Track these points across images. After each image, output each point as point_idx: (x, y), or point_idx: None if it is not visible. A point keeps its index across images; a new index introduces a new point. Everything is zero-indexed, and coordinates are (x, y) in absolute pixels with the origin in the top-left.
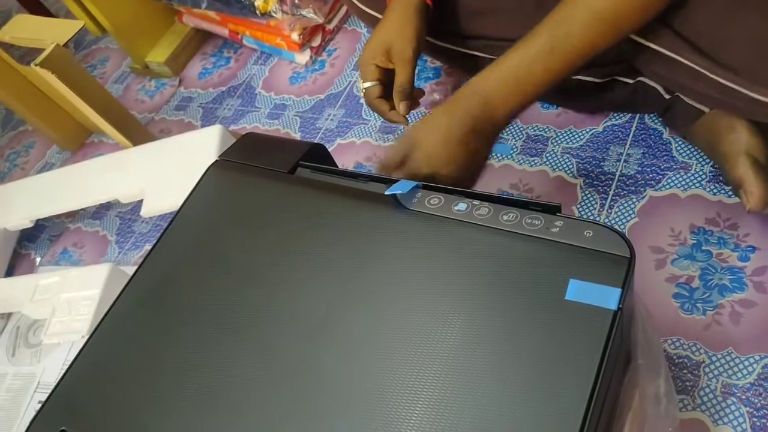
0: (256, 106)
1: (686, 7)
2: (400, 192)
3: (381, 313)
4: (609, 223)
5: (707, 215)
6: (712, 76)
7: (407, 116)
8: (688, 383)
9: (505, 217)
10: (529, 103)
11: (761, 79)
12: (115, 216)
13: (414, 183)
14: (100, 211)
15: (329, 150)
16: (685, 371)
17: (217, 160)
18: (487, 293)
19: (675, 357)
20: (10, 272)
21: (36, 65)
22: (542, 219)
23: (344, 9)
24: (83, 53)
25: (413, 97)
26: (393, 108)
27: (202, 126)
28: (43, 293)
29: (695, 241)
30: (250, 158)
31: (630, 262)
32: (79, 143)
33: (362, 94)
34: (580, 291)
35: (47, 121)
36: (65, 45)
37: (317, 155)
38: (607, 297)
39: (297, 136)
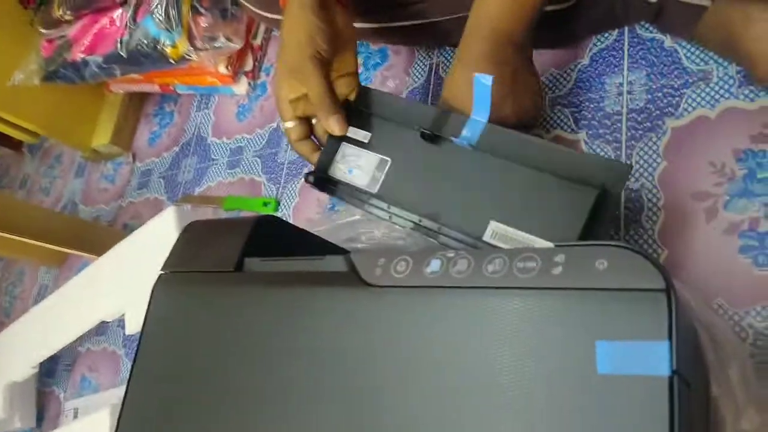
0: (213, 159)
1: None
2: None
3: (367, 411)
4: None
5: (751, 132)
6: None
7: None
8: None
9: (491, 268)
10: (542, 7)
11: None
12: (117, 326)
13: (481, 123)
14: (102, 325)
15: (296, 192)
16: None
17: (161, 275)
18: (485, 392)
19: (767, 332)
20: (40, 416)
21: None
22: (538, 259)
23: None
24: (38, 155)
25: (343, 109)
26: (318, 149)
27: (168, 199)
28: None
29: (746, 171)
30: (193, 261)
31: (669, 295)
32: (62, 258)
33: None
34: (613, 358)
35: (22, 252)
36: None
37: (268, 229)
38: (653, 358)
39: (262, 179)
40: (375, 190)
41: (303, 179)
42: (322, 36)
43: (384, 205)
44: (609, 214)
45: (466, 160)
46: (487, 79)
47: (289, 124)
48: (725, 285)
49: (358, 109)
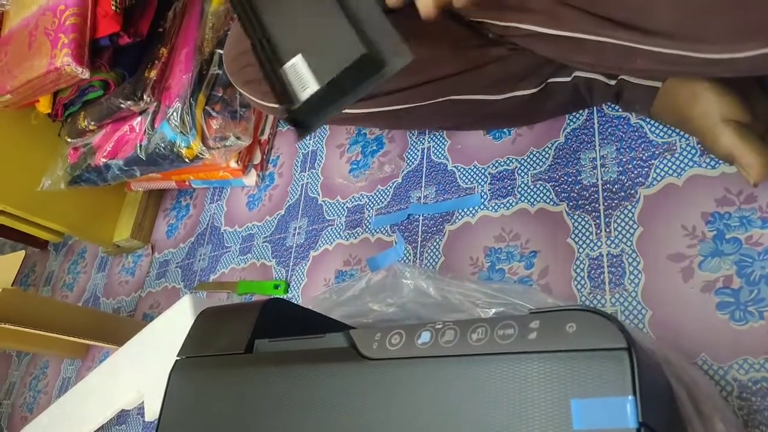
0: (226, 247)
1: None
2: None
3: None
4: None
5: (716, 196)
6: (647, 48)
7: None
8: None
9: (475, 336)
10: None
11: (702, 35)
12: (137, 414)
13: None
14: (122, 413)
15: (304, 270)
16: None
17: (177, 360)
18: None
19: (750, 384)
20: None
21: None
22: (516, 325)
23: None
24: (63, 251)
25: None
26: None
27: (185, 287)
28: None
29: (715, 232)
30: (206, 347)
31: (630, 353)
32: (84, 351)
33: None
34: (586, 413)
35: (45, 347)
36: (12, 284)
37: (275, 311)
38: (620, 412)
39: (272, 263)
40: None
41: None
42: None
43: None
44: (368, 78)
45: None
46: None
47: None
48: (707, 341)
49: None
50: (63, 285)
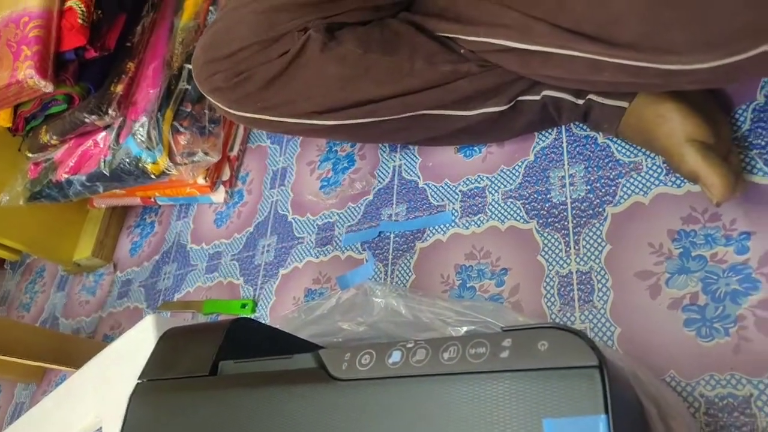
0: (192, 265)
1: None
2: None
3: None
4: (565, 323)
5: (681, 214)
6: (612, 60)
7: None
8: (745, 428)
9: (446, 355)
10: None
11: (666, 46)
12: None
13: None
14: None
15: (273, 286)
16: (736, 414)
17: (138, 384)
18: None
19: (716, 400)
20: None
21: None
22: (487, 344)
23: (241, 131)
24: (21, 270)
25: None
26: None
27: (148, 307)
28: None
29: (681, 249)
30: (169, 369)
31: (602, 371)
32: (40, 374)
33: None
34: None
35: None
36: None
37: (242, 331)
38: (592, 431)
39: (240, 282)
40: None
41: None
42: None
43: None
44: None
45: None
46: None
47: None
48: (675, 358)
49: None
50: (19, 305)
